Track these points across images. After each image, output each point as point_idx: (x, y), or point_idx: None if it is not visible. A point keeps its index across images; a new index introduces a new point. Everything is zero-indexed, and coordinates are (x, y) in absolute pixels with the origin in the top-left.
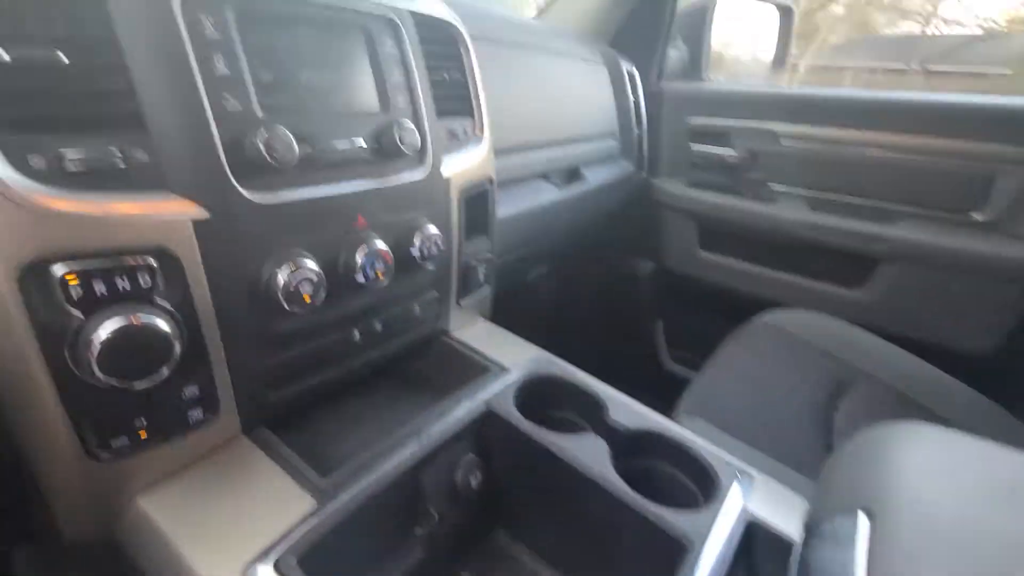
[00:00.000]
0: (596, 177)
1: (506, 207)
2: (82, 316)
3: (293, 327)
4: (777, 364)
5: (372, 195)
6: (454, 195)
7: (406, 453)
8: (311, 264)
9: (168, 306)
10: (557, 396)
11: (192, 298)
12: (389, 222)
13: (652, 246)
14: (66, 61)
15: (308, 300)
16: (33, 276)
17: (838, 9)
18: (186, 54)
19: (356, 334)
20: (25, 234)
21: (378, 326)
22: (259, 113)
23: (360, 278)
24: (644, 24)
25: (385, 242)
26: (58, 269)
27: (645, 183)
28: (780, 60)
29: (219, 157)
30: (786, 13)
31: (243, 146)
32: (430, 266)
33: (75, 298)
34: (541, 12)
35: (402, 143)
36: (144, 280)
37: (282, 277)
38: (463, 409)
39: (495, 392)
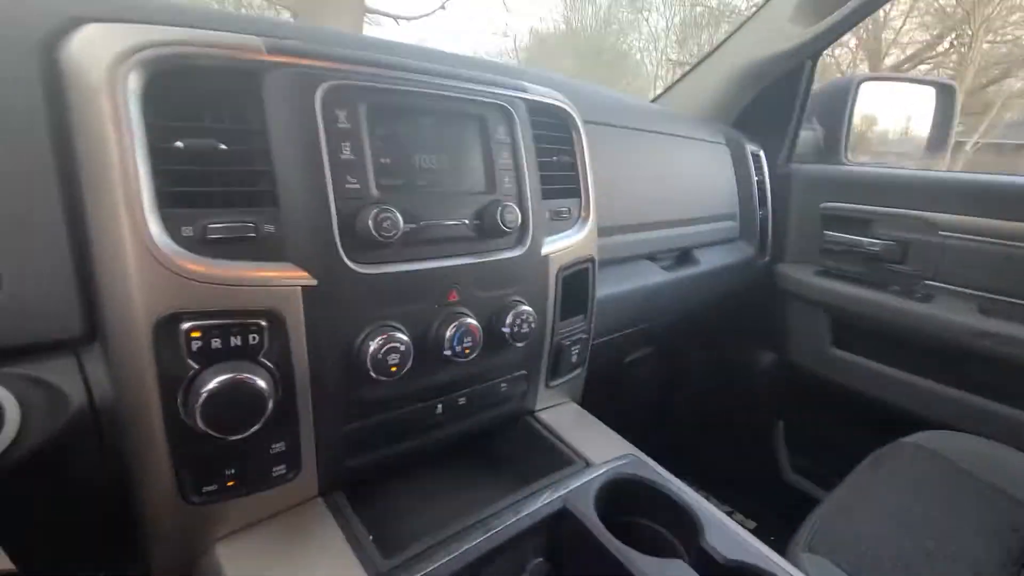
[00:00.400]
0: (710, 260)
1: (608, 286)
2: (197, 367)
3: (378, 395)
4: (934, 500)
5: (467, 270)
6: (552, 273)
7: (472, 545)
8: (401, 335)
9: (269, 364)
10: (646, 503)
11: (291, 358)
12: (482, 298)
13: (774, 336)
14: (224, 147)
15: (394, 370)
16: (165, 329)
17: (1016, 83)
18: (319, 142)
19: (439, 407)
20: (165, 292)
21: (461, 400)
22: (374, 192)
23: (447, 352)
24: (772, 105)
25: (477, 318)
26: (186, 324)
27: (767, 268)
28: (939, 142)
29: (332, 230)
30: (946, 92)
31: (355, 221)
32: (520, 344)
33: (194, 350)
34: (658, 97)
35: (503, 222)
36: (253, 339)
37: (372, 345)
38: (538, 503)
39: (574, 489)
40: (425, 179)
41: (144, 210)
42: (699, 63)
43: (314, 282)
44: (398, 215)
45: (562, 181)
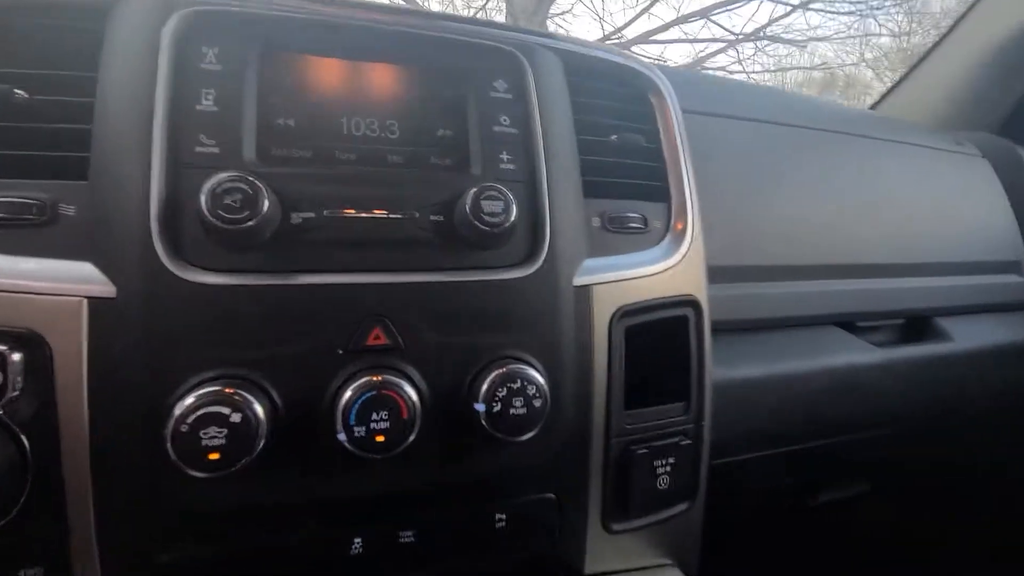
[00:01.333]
0: (969, 336)
1: (754, 363)
2: None
3: (206, 503)
4: None
5: (409, 294)
6: (600, 319)
7: None
8: (247, 396)
9: (14, 426)
10: None
11: (57, 419)
12: (439, 345)
13: None
14: (23, 95)
15: (215, 459)
16: None
17: None
18: (155, 84)
19: (357, 543)
20: None
21: (407, 537)
22: (250, 160)
23: (341, 436)
24: None
25: (422, 379)
26: None
27: None
28: None
29: (147, 210)
30: None
31: (192, 200)
32: (517, 438)
33: None
34: (877, 104)
35: (476, 214)
36: None
37: (181, 407)
38: None
39: None
40: (355, 151)
41: None
42: (928, 54)
43: (111, 292)
44: (262, 189)
45: (630, 172)
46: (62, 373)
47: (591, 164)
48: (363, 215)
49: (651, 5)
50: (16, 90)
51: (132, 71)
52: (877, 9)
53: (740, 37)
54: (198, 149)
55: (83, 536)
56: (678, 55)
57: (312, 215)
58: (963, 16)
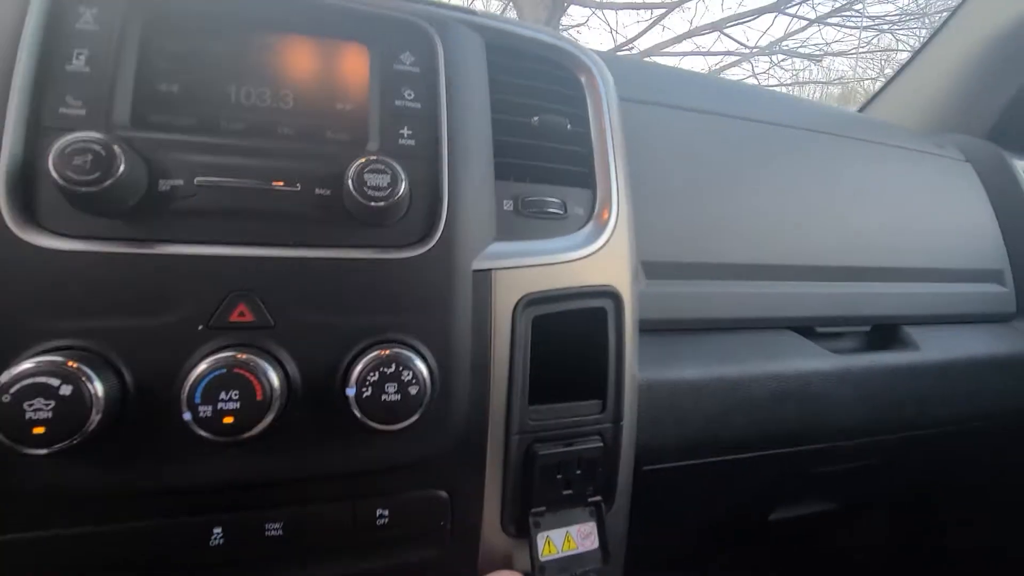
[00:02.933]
0: (938, 346)
1: (692, 364)
2: None
3: (39, 480)
4: None
5: (280, 268)
6: (501, 306)
7: None
8: (82, 367)
9: None
10: None
11: None
12: (311, 326)
13: None
14: None
15: (39, 432)
16: None
17: None
18: (16, 42)
19: (218, 533)
20: None
21: (273, 529)
22: (119, 122)
23: (186, 415)
24: None
25: (291, 360)
26: None
27: None
28: None
29: None
30: None
31: (54, 163)
32: (390, 426)
33: None
34: (865, 107)
35: (360, 186)
36: None
37: (4, 376)
38: None
39: None
40: (241, 120)
41: None
42: (914, 56)
43: None
44: (120, 153)
45: (551, 156)
46: None
47: (507, 145)
48: (239, 184)
49: (663, 16)
50: None
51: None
52: (896, 25)
53: (754, 51)
54: (62, 110)
55: None
56: (691, 68)
57: (181, 183)
58: (949, 18)
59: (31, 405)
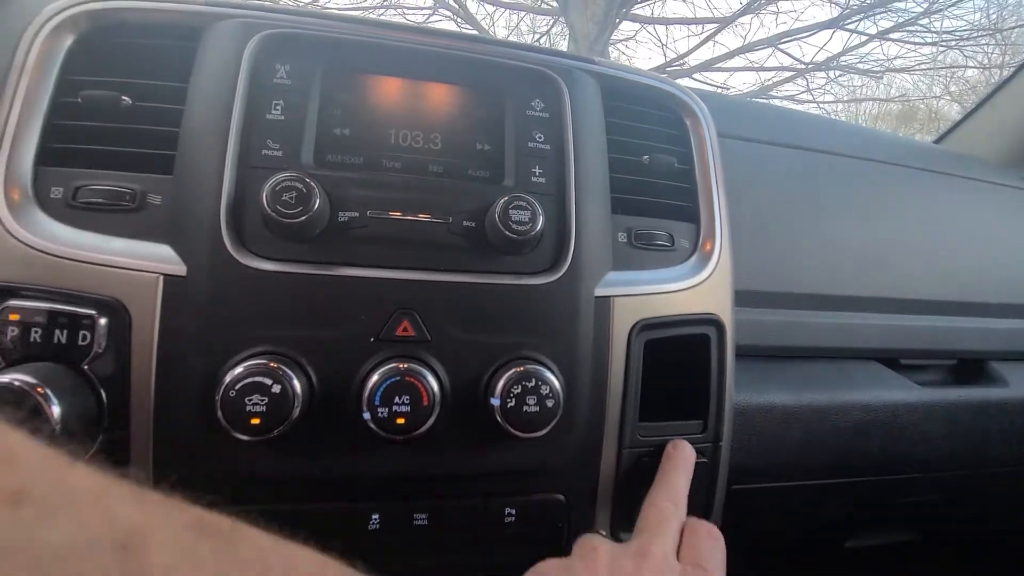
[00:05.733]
0: None
1: (782, 390)
2: (4, 364)
3: (256, 467)
4: None
5: (437, 291)
6: (618, 329)
7: None
8: (287, 371)
9: (96, 377)
10: None
11: (129, 375)
12: (461, 341)
13: None
14: (127, 101)
15: (256, 423)
16: None
17: None
18: (233, 94)
19: (375, 519)
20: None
21: (422, 519)
22: (307, 163)
23: (365, 415)
24: None
25: (443, 371)
26: (9, 302)
27: None
28: None
29: (218, 202)
30: None
31: (256, 196)
32: (528, 434)
33: (8, 338)
34: (943, 137)
35: (505, 223)
36: (83, 337)
37: (230, 375)
38: None
39: None
40: (400, 161)
41: (17, 164)
42: (998, 88)
43: (182, 271)
44: (315, 189)
45: (660, 192)
46: (137, 338)
47: (622, 182)
48: (401, 217)
49: (715, 33)
50: (122, 96)
51: (216, 83)
52: (964, 41)
53: (810, 66)
54: (264, 152)
55: (141, 484)
56: (743, 83)
57: (356, 215)
58: None
59: (250, 400)
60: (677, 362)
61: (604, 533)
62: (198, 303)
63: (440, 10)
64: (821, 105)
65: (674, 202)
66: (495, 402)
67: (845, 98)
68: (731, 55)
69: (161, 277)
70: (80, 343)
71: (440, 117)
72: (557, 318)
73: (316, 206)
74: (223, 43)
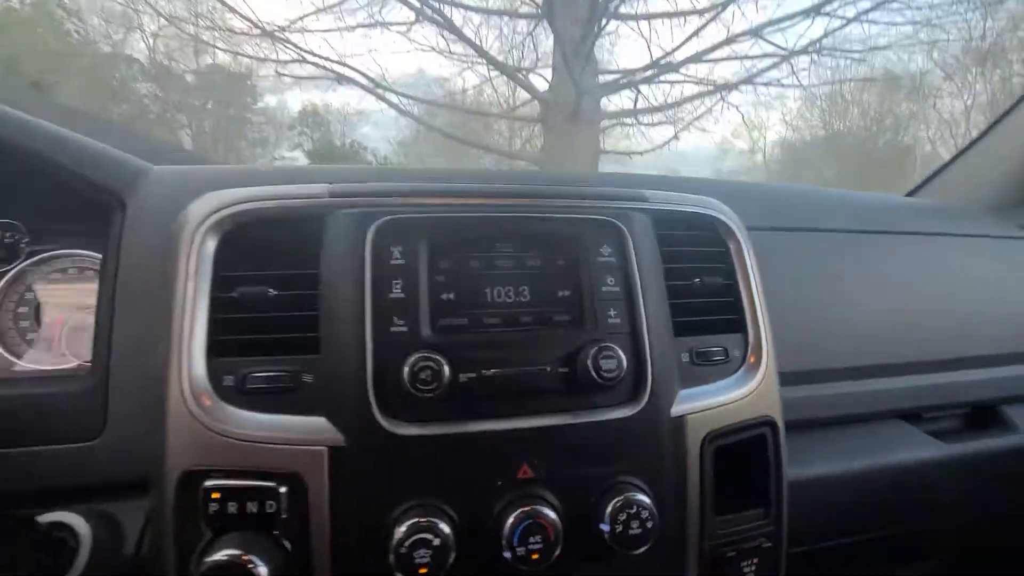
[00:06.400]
0: None
1: (823, 463)
2: (211, 535)
3: None
4: None
5: (547, 436)
6: (693, 443)
7: None
8: (439, 523)
9: (285, 539)
10: None
11: (310, 536)
12: (571, 476)
13: None
14: (274, 293)
15: (423, 573)
16: (188, 485)
17: None
18: (363, 281)
19: None
20: (192, 445)
21: None
22: (427, 335)
23: (506, 553)
24: None
25: (559, 506)
26: (208, 483)
27: None
28: None
29: (365, 380)
30: None
31: (399, 373)
32: (634, 551)
33: (211, 513)
34: (916, 190)
35: (596, 370)
36: (270, 506)
37: (399, 532)
38: None
39: None
40: (497, 316)
41: (192, 357)
42: (981, 137)
43: (342, 442)
44: (443, 363)
45: (711, 310)
46: (314, 502)
47: (680, 307)
48: (509, 371)
49: (702, 28)
50: (269, 289)
51: (345, 270)
52: (941, 18)
53: (792, 51)
54: (392, 329)
55: None
56: (729, 72)
57: (474, 375)
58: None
59: (418, 553)
60: (740, 460)
61: None
62: (359, 468)
63: (424, 22)
64: (808, 88)
65: (724, 317)
66: (605, 528)
67: (830, 80)
68: (716, 47)
69: (326, 449)
70: (268, 511)
71: (525, 270)
72: (644, 443)
73: (447, 379)
74: (346, 232)
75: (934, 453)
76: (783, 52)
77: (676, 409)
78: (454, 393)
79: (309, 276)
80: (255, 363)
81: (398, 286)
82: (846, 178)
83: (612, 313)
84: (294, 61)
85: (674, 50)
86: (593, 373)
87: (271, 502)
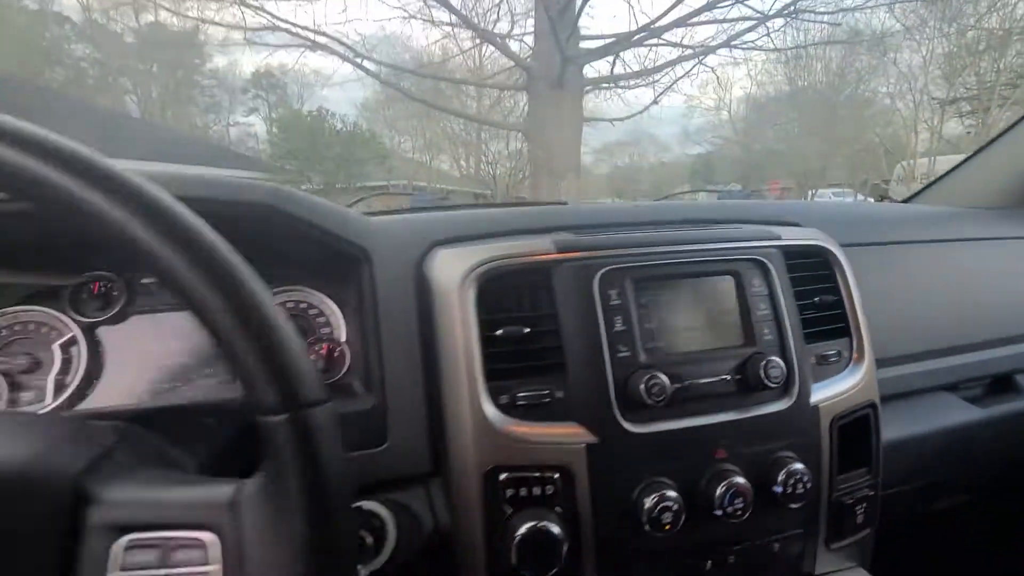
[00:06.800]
0: None
1: (895, 428)
2: (511, 511)
3: (651, 547)
4: None
5: (732, 427)
6: (824, 425)
7: None
8: (672, 492)
9: (560, 512)
10: None
11: (577, 508)
12: (750, 454)
13: None
14: (527, 331)
15: (667, 527)
16: (489, 477)
17: None
18: (597, 319)
19: (708, 564)
20: (489, 448)
21: (731, 559)
22: (643, 358)
23: (717, 511)
24: None
25: (746, 475)
26: (503, 475)
27: None
28: None
29: (609, 393)
30: None
31: (627, 385)
32: (794, 505)
33: (507, 497)
34: (915, 196)
35: (767, 377)
36: (549, 489)
37: (648, 502)
38: None
39: None
40: (686, 338)
41: (477, 383)
42: (981, 150)
43: (595, 440)
44: (665, 379)
45: (827, 322)
46: (579, 484)
47: (806, 321)
48: (703, 382)
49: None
50: (523, 328)
51: (579, 309)
52: None
53: (768, 15)
54: (619, 354)
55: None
56: (705, 35)
57: (680, 385)
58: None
59: (665, 517)
60: (853, 435)
61: None
62: (608, 458)
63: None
64: (785, 52)
65: (836, 326)
66: (778, 489)
67: (804, 43)
68: (698, 12)
69: (584, 445)
70: (548, 493)
71: (701, 300)
72: (796, 427)
73: (668, 390)
74: (575, 280)
75: (974, 415)
76: (759, 15)
77: (813, 400)
78: (670, 399)
79: (550, 316)
80: (519, 385)
81: (619, 320)
82: (807, 132)
83: (766, 331)
84: (265, 28)
85: (662, 15)
86: (764, 379)
87: (550, 486)
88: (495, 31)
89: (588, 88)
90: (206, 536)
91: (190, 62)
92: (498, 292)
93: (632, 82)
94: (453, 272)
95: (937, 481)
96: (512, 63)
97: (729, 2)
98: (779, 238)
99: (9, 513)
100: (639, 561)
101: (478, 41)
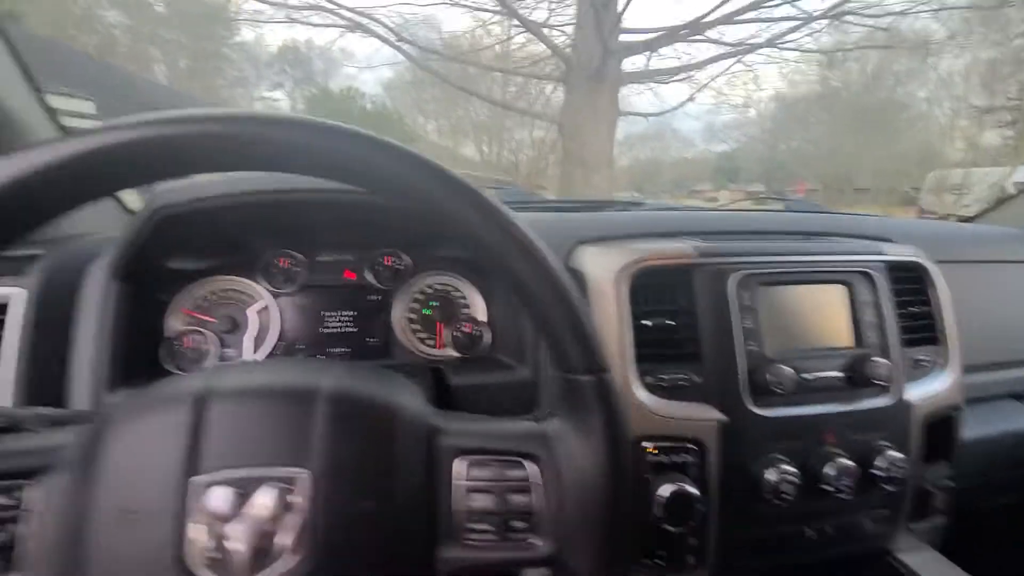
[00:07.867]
0: None
1: (971, 428)
2: (653, 476)
3: (766, 513)
4: None
5: (841, 416)
6: (915, 421)
7: None
8: (791, 467)
9: (694, 478)
10: None
11: (708, 476)
12: (855, 441)
13: None
14: (671, 323)
15: (786, 497)
16: (635, 446)
17: None
18: (731, 317)
19: (807, 530)
20: (637, 421)
21: (829, 529)
22: (768, 352)
23: (826, 487)
24: None
25: (850, 458)
26: (647, 444)
27: None
28: None
29: (740, 381)
30: None
31: (755, 375)
32: (888, 487)
33: (650, 463)
34: (984, 213)
35: (873, 376)
36: (685, 458)
37: (772, 476)
38: None
39: None
40: (803, 338)
41: (628, 365)
42: None
43: (726, 420)
44: (789, 371)
45: (921, 330)
46: (710, 458)
47: (904, 328)
48: (817, 375)
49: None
50: (666, 320)
51: (715, 307)
52: None
53: (813, 16)
54: (748, 348)
55: (713, 540)
56: (745, 32)
57: (800, 378)
58: None
59: (785, 489)
60: (941, 432)
61: None
62: (736, 436)
63: None
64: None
65: (930, 334)
66: (878, 473)
67: (850, 46)
68: (744, 10)
69: (716, 423)
70: (683, 462)
71: (815, 305)
72: (895, 420)
73: (791, 382)
74: (712, 282)
75: None
76: (805, 15)
77: (907, 395)
78: (792, 389)
79: (689, 311)
80: (663, 368)
81: (749, 319)
82: (841, 139)
83: (872, 336)
84: (310, 8)
85: (711, 11)
86: (871, 378)
87: (686, 456)
88: (532, 19)
89: (627, 82)
90: (525, 461)
91: (218, 33)
92: (646, 288)
93: (669, 78)
94: (608, 268)
95: (1001, 479)
96: (548, 52)
97: (777, 0)
98: (884, 253)
99: (401, 442)
100: (756, 523)
101: (513, 28)
